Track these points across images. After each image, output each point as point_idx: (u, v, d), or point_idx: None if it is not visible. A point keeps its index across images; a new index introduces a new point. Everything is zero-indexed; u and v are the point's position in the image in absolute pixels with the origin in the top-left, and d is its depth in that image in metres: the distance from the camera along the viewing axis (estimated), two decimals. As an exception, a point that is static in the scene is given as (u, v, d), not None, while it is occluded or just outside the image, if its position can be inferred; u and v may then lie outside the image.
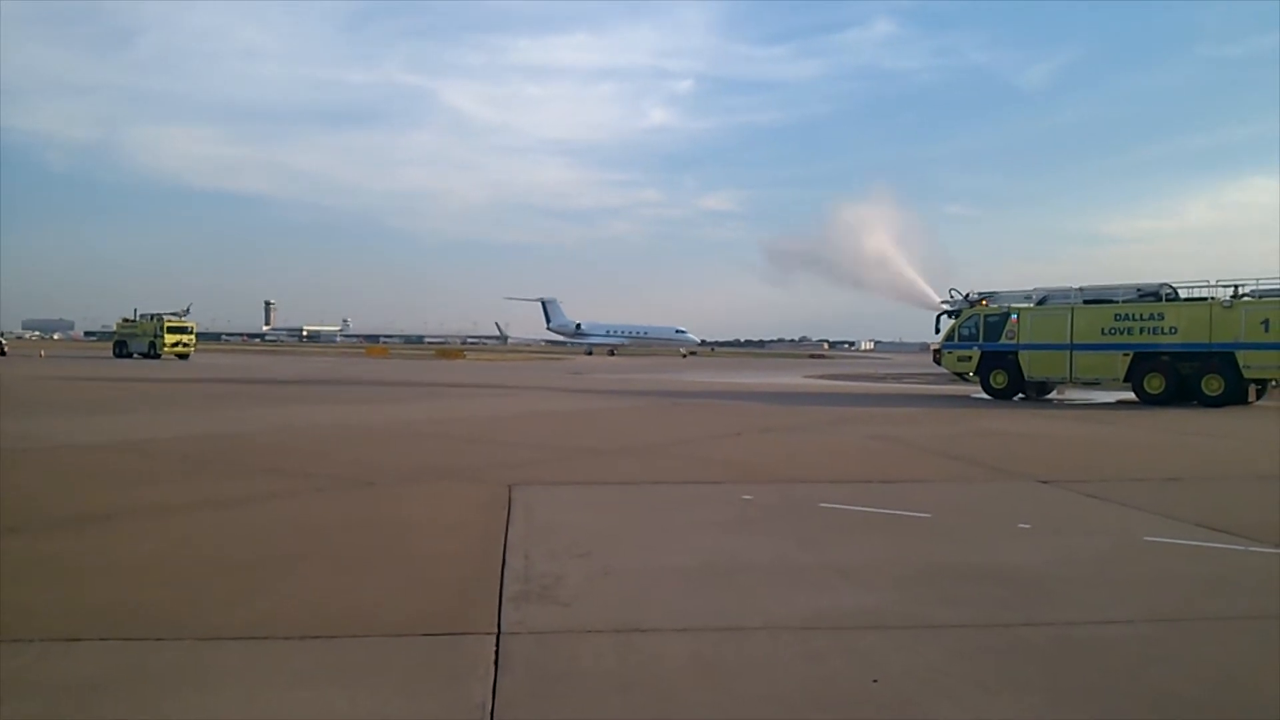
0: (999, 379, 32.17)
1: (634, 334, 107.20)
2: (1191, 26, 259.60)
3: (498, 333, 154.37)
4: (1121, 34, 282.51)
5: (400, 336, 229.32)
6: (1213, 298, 28.57)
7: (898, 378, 50.08)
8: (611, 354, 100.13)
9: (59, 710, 4.50)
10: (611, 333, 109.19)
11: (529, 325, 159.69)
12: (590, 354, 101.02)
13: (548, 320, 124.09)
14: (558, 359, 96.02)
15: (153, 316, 73.34)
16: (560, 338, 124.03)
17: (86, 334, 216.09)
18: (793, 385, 41.52)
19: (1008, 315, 32.19)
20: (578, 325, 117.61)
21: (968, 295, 34.18)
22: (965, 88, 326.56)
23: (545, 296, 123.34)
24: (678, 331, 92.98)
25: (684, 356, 73.09)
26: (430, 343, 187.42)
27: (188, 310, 74.98)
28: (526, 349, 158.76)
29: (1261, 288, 27.80)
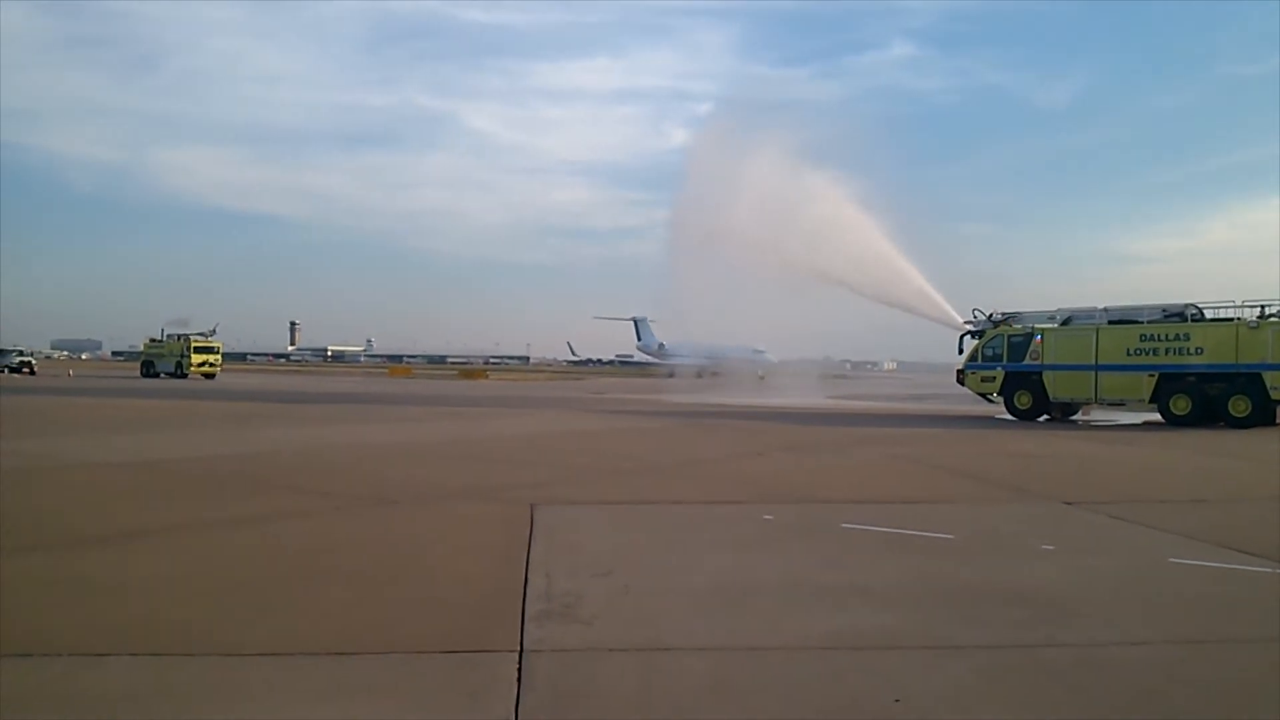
0: (1023, 400, 31.96)
1: (713, 354, 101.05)
2: (1209, 46, 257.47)
3: (570, 353, 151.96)
4: (1139, 55, 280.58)
5: (423, 356, 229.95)
6: (1239, 318, 28.32)
7: (920, 398, 49.83)
8: (699, 377, 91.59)
9: (87, 724, 4.57)
10: (695, 353, 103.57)
11: (583, 347, 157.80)
12: (673, 376, 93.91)
13: (638, 338, 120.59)
14: (579, 379, 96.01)
15: (179, 337, 73.99)
16: (649, 358, 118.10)
17: (114, 354, 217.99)
18: (815, 405, 41.40)
19: (1032, 335, 32.01)
20: (661, 345, 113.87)
21: (991, 315, 34.02)
22: (983, 108, 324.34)
23: (637, 315, 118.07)
24: (756, 351, 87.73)
25: (761, 379, 69.41)
26: (453, 363, 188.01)
27: (214, 330, 75.64)
28: (549, 369, 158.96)
29: None
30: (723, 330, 68.07)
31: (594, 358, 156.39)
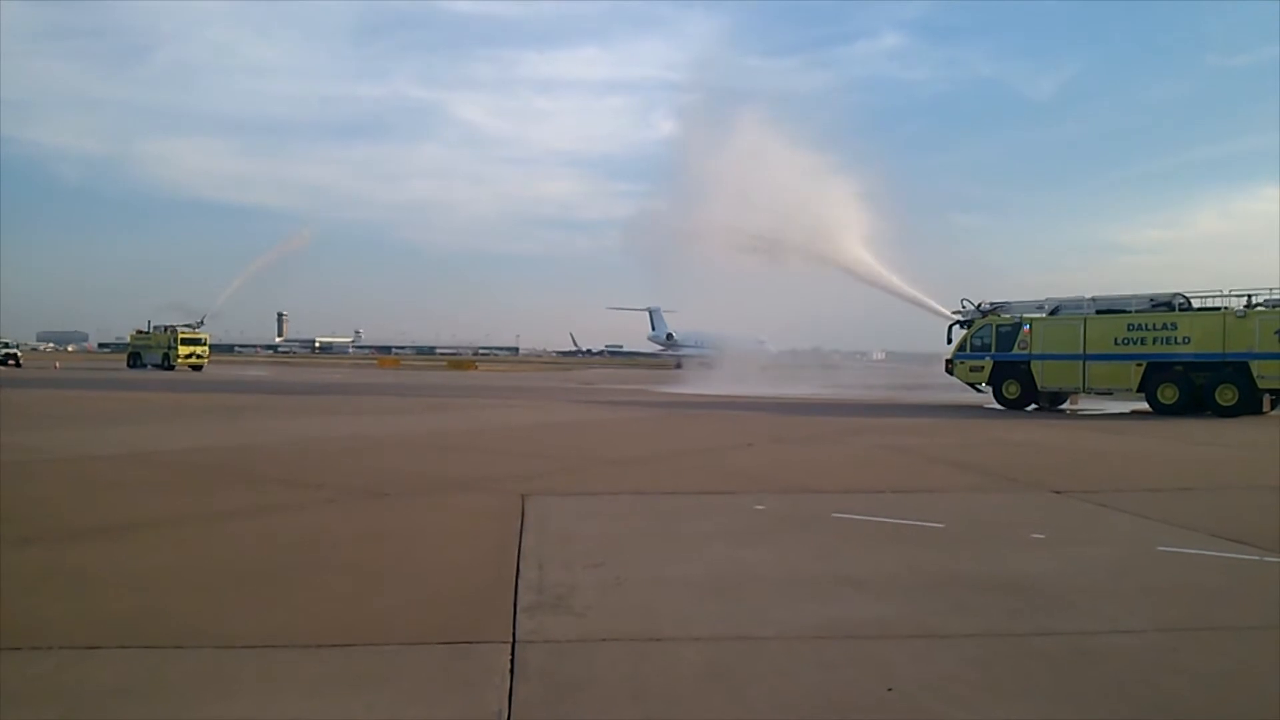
0: (1011, 389, 32.08)
1: (717, 344, 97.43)
2: (1199, 37, 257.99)
3: (572, 344, 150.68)
4: (1129, 45, 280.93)
5: (412, 347, 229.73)
6: (1226, 308, 28.46)
7: (909, 388, 49.90)
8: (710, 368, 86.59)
9: (78, 716, 4.56)
10: (701, 343, 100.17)
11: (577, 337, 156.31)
12: (680, 367, 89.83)
13: (652, 328, 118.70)
14: (568, 369, 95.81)
15: (166, 328, 73.71)
16: (657, 348, 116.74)
17: (101, 346, 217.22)
18: (804, 396, 41.45)
19: (1020, 325, 32.14)
20: (669, 335, 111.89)
21: (980, 305, 34.12)
22: (973, 98, 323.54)
23: (652, 306, 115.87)
24: (757, 342, 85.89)
25: (762, 369, 68.25)
26: (442, 354, 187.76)
27: (201, 322, 75.29)
28: (538, 359, 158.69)
29: (1275, 297, 27.69)
30: (725, 319, 67.79)
31: (585, 348, 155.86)
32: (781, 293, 53.67)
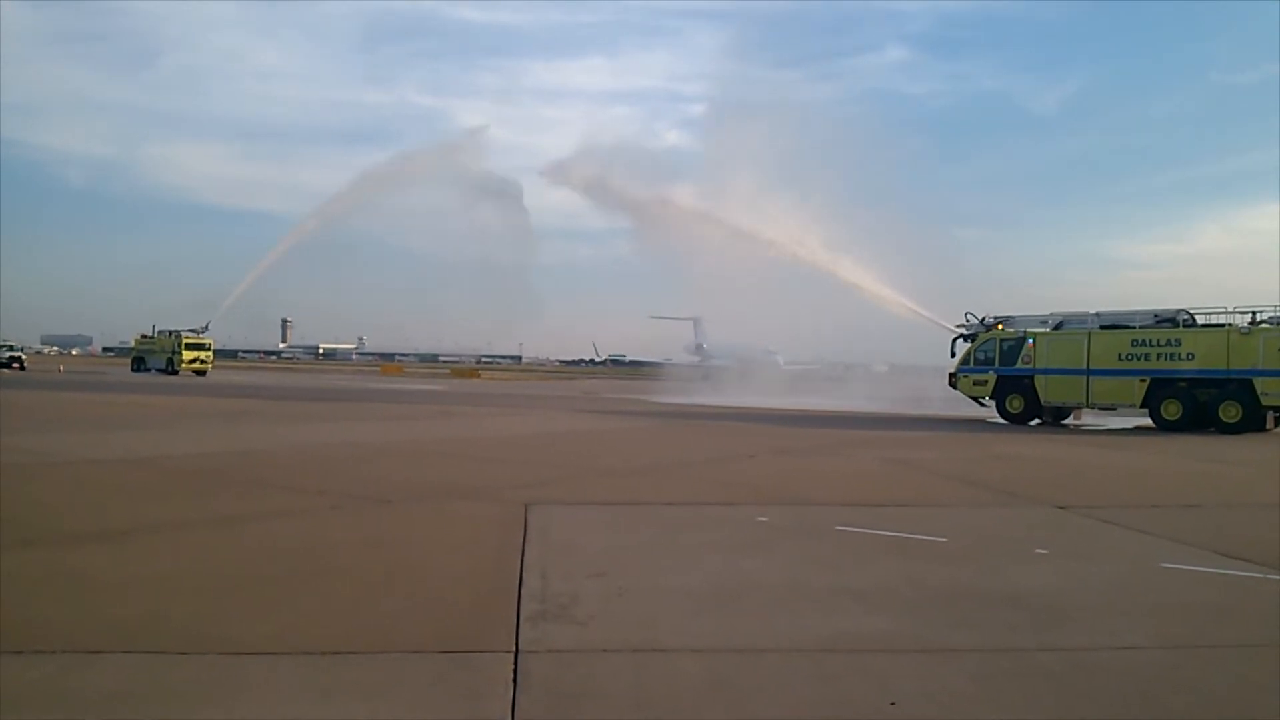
0: (1015, 403, 32.02)
1: (737, 355, 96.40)
2: (1203, 53, 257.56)
3: (594, 354, 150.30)
4: (1133, 61, 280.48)
5: (415, 355, 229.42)
6: (1230, 324, 28.41)
7: (912, 401, 49.81)
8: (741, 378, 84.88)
9: (82, 721, 4.56)
10: (724, 354, 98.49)
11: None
12: (707, 378, 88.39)
13: (694, 337, 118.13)
14: (570, 379, 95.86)
15: (171, 333, 73.86)
16: (663, 358, 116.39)
17: (105, 349, 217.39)
18: (806, 408, 41.40)
19: (1024, 340, 32.09)
20: (700, 345, 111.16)
21: (984, 319, 34.07)
22: (977, 112, 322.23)
23: (695, 315, 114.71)
24: (767, 353, 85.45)
25: (772, 381, 67.87)
26: (445, 361, 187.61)
27: (206, 327, 75.42)
28: (541, 368, 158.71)
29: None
30: (738, 331, 67.99)
31: (588, 358, 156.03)
32: (790, 305, 53.71)
